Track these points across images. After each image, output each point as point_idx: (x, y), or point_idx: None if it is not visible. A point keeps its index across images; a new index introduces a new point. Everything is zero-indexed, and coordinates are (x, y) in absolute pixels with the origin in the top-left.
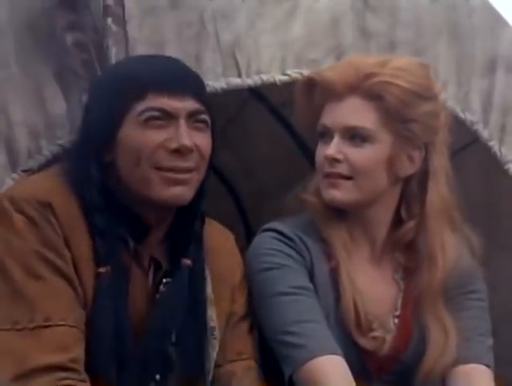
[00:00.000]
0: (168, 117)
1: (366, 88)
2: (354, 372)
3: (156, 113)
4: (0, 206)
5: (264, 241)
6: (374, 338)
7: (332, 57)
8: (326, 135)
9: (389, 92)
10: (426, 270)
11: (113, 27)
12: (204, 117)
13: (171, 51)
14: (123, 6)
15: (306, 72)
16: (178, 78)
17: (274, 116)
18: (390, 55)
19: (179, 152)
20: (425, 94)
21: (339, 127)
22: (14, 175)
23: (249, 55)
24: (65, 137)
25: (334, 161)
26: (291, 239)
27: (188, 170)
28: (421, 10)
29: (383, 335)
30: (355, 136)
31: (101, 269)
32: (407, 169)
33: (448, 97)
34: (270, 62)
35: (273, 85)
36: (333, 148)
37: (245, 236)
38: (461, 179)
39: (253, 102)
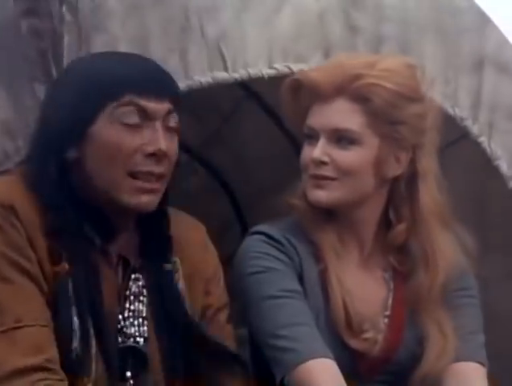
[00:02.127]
0: (145, 117)
1: (353, 90)
2: (345, 373)
3: (133, 114)
4: None
5: (252, 244)
6: (365, 339)
7: (320, 51)
8: (312, 136)
9: (376, 95)
10: (423, 273)
11: (67, 16)
12: (176, 118)
13: (156, 47)
14: None
15: (293, 66)
16: (157, 79)
17: (269, 115)
18: (378, 55)
19: (155, 156)
20: (412, 96)
21: (325, 129)
22: None
23: (236, 49)
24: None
25: (320, 163)
26: (279, 241)
27: (160, 177)
28: (407, 7)
29: (374, 336)
30: (342, 138)
31: (57, 268)
32: (394, 170)
33: (436, 94)
34: (256, 56)
35: (268, 85)
36: (319, 150)
37: (242, 235)
38: (450, 176)
39: (248, 101)
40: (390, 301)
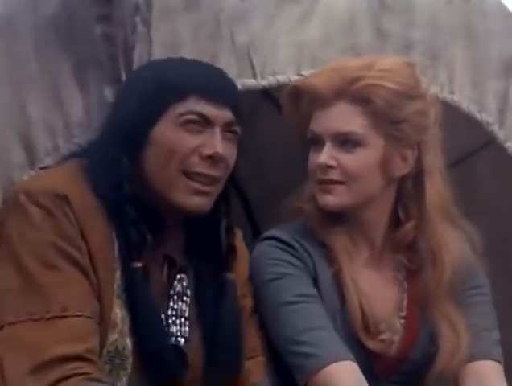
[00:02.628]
0: (205, 123)
1: (353, 93)
2: (362, 374)
3: (195, 117)
4: (16, 199)
5: (265, 251)
6: (382, 340)
7: (348, 57)
8: (317, 142)
9: (376, 95)
10: (431, 270)
11: (140, 27)
12: (236, 129)
13: (187, 53)
14: (151, 9)
15: None
16: (220, 86)
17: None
18: (376, 56)
19: (212, 159)
20: (412, 93)
21: (329, 134)
22: (32, 173)
23: (265, 56)
24: (82, 135)
25: (327, 168)
26: (291, 246)
27: (215, 180)
28: (437, 12)
29: (391, 337)
30: (346, 141)
31: (137, 264)
32: (401, 169)
33: (464, 98)
34: (285, 63)
35: (285, 87)
36: (325, 155)
37: (253, 238)
38: (477, 180)
39: (265, 104)
40: (404, 302)
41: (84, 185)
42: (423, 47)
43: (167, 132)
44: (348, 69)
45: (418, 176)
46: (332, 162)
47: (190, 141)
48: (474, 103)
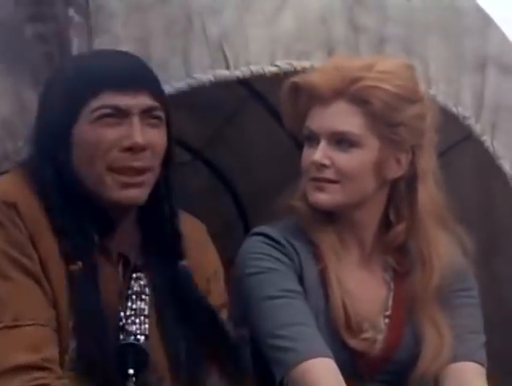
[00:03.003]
0: (121, 114)
1: (352, 93)
2: (346, 373)
3: (109, 111)
4: None
5: (252, 245)
6: (365, 339)
7: (322, 50)
8: (312, 139)
9: (375, 97)
10: (419, 273)
11: (76, 18)
12: (159, 113)
13: (158, 47)
14: None
15: (296, 63)
16: (131, 74)
17: (273, 115)
18: (377, 57)
19: (132, 150)
20: (412, 97)
21: (326, 132)
22: None
23: (238, 48)
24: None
25: (321, 166)
26: (279, 242)
27: (142, 171)
28: (411, 7)
29: (374, 336)
30: (342, 141)
31: (72, 267)
32: (395, 172)
33: (439, 93)
34: (259, 55)
35: (271, 84)
36: (320, 153)
37: (245, 235)
38: (453, 176)
39: (252, 101)
40: (390, 302)
41: (30, 191)
42: (397, 42)
43: (85, 130)
44: (349, 69)
45: (411, 179)
46: (327, 161)
47: (107, 135)
48: (450, 97)
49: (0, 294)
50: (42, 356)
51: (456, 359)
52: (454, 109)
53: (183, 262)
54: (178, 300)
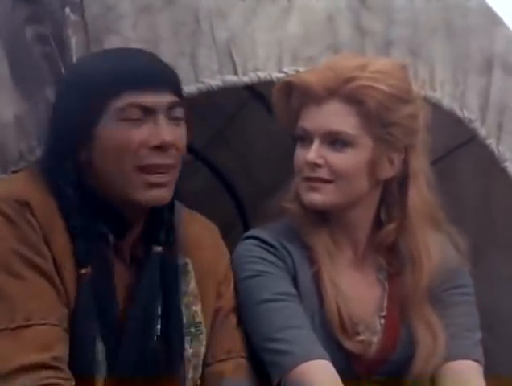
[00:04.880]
0: (146, 112)
1: (346, 93)
2: (342, 375)
3: (134, 110)
4: None
5: (246, 249)
6: (360, 341)
7: (329, 55)
8: (305, 139)
9: (369, 96)
10: (410, 273)
11: (72, 16)
12: (180, 109)
13: (166, 50)
14: None
15: (302, 70)
16: (154, 72)
17: (273, 115)
18: (370, 57)
19: (161, 148)
20: (405, 97)
21: (319, 132)
22: (4, 176)
23: (246, 52)
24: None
25: (315, 166)
26: (272, 245)
27: (168, 168)
28: (417, 9)
29: (369, 338)
30: (336, 141)
31: (82, 271)
32: (388, 171)
33: (445, 95)
34: (266, 59)
35: (271, 85)
36: (314, 153)
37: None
38: (458, 178)
39: (252, 102)
40: (385, 302)
41: (44, 190)
42: (403, 45)
43: (110, 129)
44: (343, 68)
45: (403, 179)
46: (320, 161)
47: (135, 135)
48: (456, 100)
49: (13, 293)
50: (52, 355)
51: (452, 357)
52: (459, 112)
53: (158, 248)
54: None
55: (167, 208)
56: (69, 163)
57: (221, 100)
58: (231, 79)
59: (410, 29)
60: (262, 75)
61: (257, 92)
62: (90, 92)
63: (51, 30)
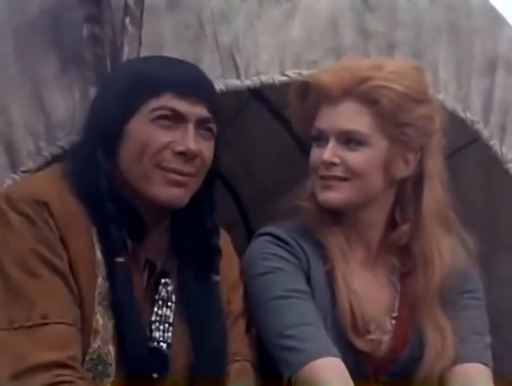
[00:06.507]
0: (179, 119)
1: (361, 93)
2: (351, 373)
3: (168, 113)
4: None
5: (260, 246)
6: (371, 340)
7: (332, 58)
8: (321, 138)
9: (384, 97)
10: (422, 274)
11: (130, 28)
12: (211, 125)
13: (170, 53)
14: (142, 10)
15: (305, 73)
16: (195, 83)
17: (275, 116)
18: (385, 58)
19: (184, 155)
20: (420, 97)
21: (335, 131)
22: (14, 176)
23: (248, 56)
24: (64, 138)
25: (330, 164)
26: (286, 242)
27: (189, 175)
28: (420, 11)
29: (380, 337)
30: (350, 140)
31: (118, 259)
32: (403, 171)
33: (448, 97)
34: (268, 63)
35: (273, 86)
36: (329, 152)
37: (246, 236)
38: (461, 179)
39: (254, 103)
40: (396, 303)
41: (65, 189)
42: (406, 47)
43: (140, 127)
44: (358, 68)
45: (418, 180)
46: (336, 160)
47: (162, 136)
48: (459, 101)
49: (29, 292)
50: (68, 354)
51: (461, 360)
52: (462, 114)
53: (217, 277)
54: (205, 310)
55: (216, 235)
56: (102, 153)
57: (223, 101)
58: (234, 83)
59: (414, 31)
60: (265, 78)
61: (258, 94)
62: (132, 87)
63: (107, 34)
